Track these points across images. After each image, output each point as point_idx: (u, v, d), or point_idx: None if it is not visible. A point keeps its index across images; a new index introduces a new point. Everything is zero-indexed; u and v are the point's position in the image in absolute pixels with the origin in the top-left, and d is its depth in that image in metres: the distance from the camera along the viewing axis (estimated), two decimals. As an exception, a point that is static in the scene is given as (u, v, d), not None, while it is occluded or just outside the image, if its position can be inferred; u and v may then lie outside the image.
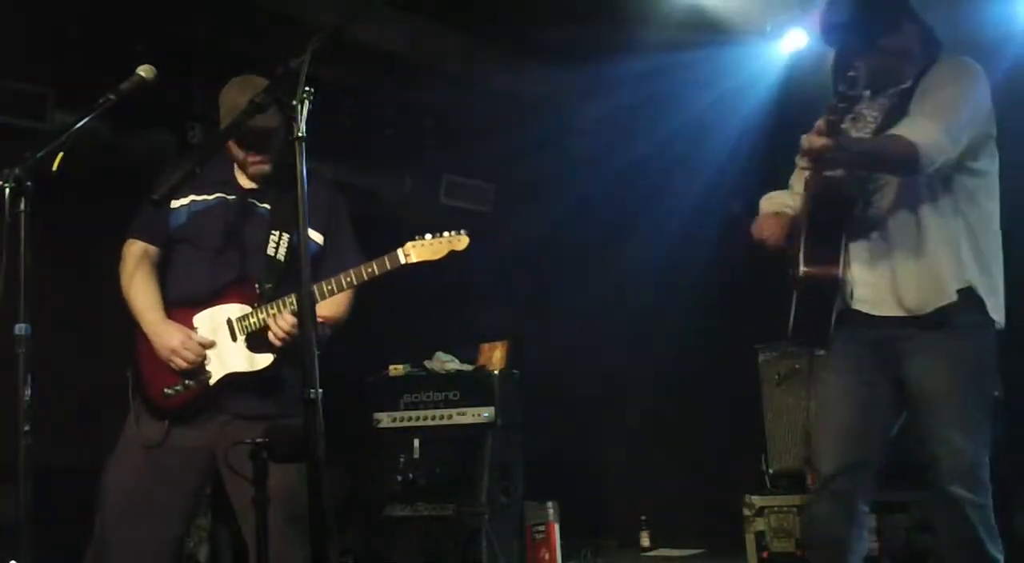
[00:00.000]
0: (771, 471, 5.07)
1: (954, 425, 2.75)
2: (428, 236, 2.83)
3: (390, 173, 6.22)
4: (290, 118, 2.15)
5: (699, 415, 5.97)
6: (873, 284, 2.85)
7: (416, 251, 2.82)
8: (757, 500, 4.80)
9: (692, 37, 5.24)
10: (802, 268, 2.85)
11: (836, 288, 2.86)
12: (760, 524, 4.76)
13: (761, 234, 3.03)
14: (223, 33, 4.84)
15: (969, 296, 2.79)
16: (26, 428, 2.25)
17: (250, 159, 2.98)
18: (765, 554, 4.74)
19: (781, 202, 3.15)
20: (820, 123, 2.60)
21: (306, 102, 2.14)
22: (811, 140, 2.61)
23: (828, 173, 2.78)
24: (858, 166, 2.80)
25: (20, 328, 2.28)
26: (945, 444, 2.74)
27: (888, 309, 2.83)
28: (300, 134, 2.13)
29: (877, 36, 2.82)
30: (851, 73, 2.53)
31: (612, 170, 6.31)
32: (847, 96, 2.54)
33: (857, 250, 2.87)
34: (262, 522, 2.31)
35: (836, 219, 2.87)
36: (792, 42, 5.42)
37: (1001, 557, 2.75)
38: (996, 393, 3.06)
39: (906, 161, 2.69)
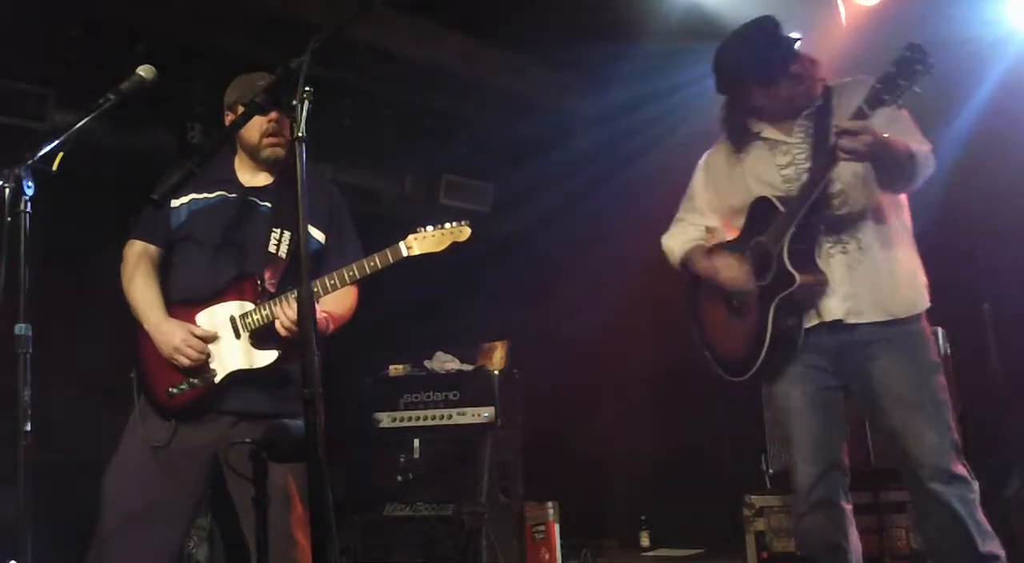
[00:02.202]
0: (771, 471, 5.05)
1: (923, 423, 2.79)
2: (430, 228, 2.83)
3: (390, 173, 6.22)
4: (290, 118, 2.15)
5: (699, 415, 5.96)
6: (856, 294, 2.88)
7: (418, 243, 2.81)
8: (757, 500, 4.79)
9: (691, 37, 5.24)
10: (798, 278, 2.86)
11: (818, 298, 2.89)
12: (760, 524, 4.75)
13: (727, 272, 3.05)
14: (223, 33, 4.84)
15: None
16: (26, 428, 2.25)
17: (266, 140, 2.98)
18: (765, 554, 4.73)
19: (688, 237, 3.25)
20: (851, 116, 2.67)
21: (306, 102, 2.14)
22: (861, 124, 2.65)
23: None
24: (883, 163, 2.80)
25: (20, 328, 2.28)
26: (920, 442, 2.78)
27: (868, 316, 2.87)
28: (300, 134, 2.13)
29: (784, 66, 2.93)
30: (911, 57, 2.60)
31: (612, 170, 6.31)
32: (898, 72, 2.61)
33: (834, 261, 2.90)
34: (262, 522, 2.31)
35: (814, 228, 2.90)
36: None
37: (1001, 553, 2.75)
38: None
39: (913, 173, 2.79)
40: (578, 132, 6.34)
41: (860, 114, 2.66)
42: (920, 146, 2.81)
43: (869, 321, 2.87)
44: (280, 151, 3.00)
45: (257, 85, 2.93)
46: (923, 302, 2.91)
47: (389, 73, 5.42)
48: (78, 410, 4.39)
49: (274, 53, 2.45)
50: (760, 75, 2.94)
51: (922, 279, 2.95)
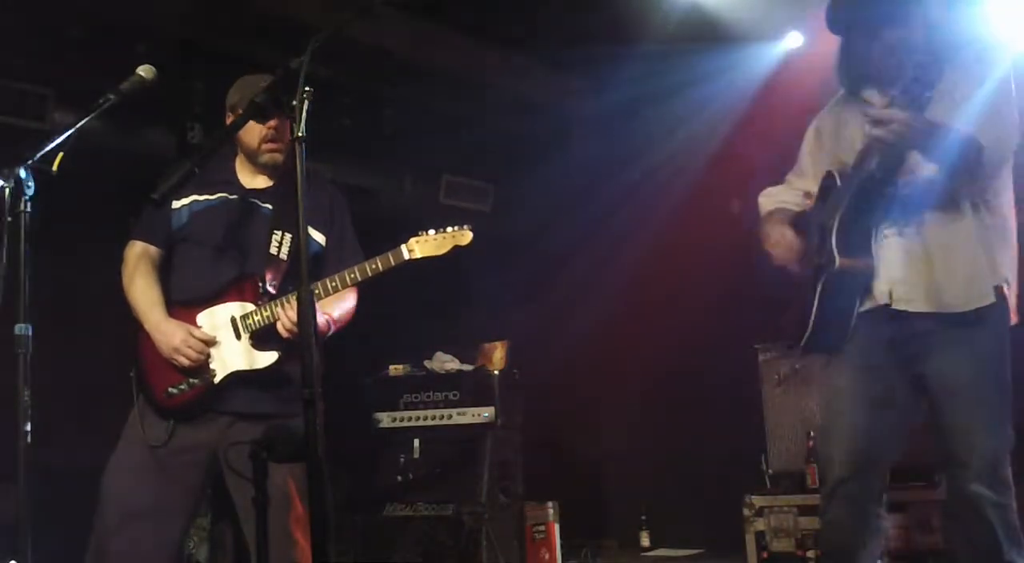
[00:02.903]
0: (771, 471, 5.06)
1: (978, 422, 2.70)
2: (432, 231, 2.83)
3: (390, 173, 6.22)
4: (290, 118, 2.15)
5: (699, 415, 5.96)
6: (908, 280, 2.78)
7: (420, 247, 2.82)
8: (757, 500, 4.79)
9: (691, 38, 5.25)
10: (838, 259, 2.77)
11: (868, 282, 2.81)
12: (760, 524, 4.76)
13: (773, 247, 2.99)
14: (223, 33, 4.84)
15: (1000, 295, 2.76)
16: (26, 428, 2.25)
17: (264, 146, 2.98)
18: (765, 554, 4.73)
19: (779, 198, 3.13)
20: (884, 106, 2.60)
21: (306, 102, 2.13)
22: (888, 113, 2.59)
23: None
24: (926, 150, 2.70)
25: (20, 328, 2.28)
26: (968, 441, 2.70)
27: (922, 305, 2.76)
28: (300, 134, 2.13)
29: (881, 27, 2.79)
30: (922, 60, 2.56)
31: (612, 170, 6.31)
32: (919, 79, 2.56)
33: (889, 243, 2.81)
34: (262, 522, 2.31)
35: (869, 209, 2.80)
36: (790, 43, 5.44)
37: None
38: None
39: (969, 164, 2.66)
40: (578, 132, 6.34)
41: (894, 101, 2.58)
42: (989, 134, 2.65)
43: (921, 311, 2.76)
44: (279, 156, 3.00)
45: (260, 86, 2.94)
46: (985, 297, 2.73)
47: (389, 73, 5.42)
48: (78, 410, 4.39)
49: (274, 53, 2.45)
50: (849, 33, 2.83)
51: (998, 274, 2.75)
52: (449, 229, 2.83)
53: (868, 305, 2.84)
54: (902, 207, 2.79)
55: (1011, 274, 2.82)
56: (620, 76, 5.63)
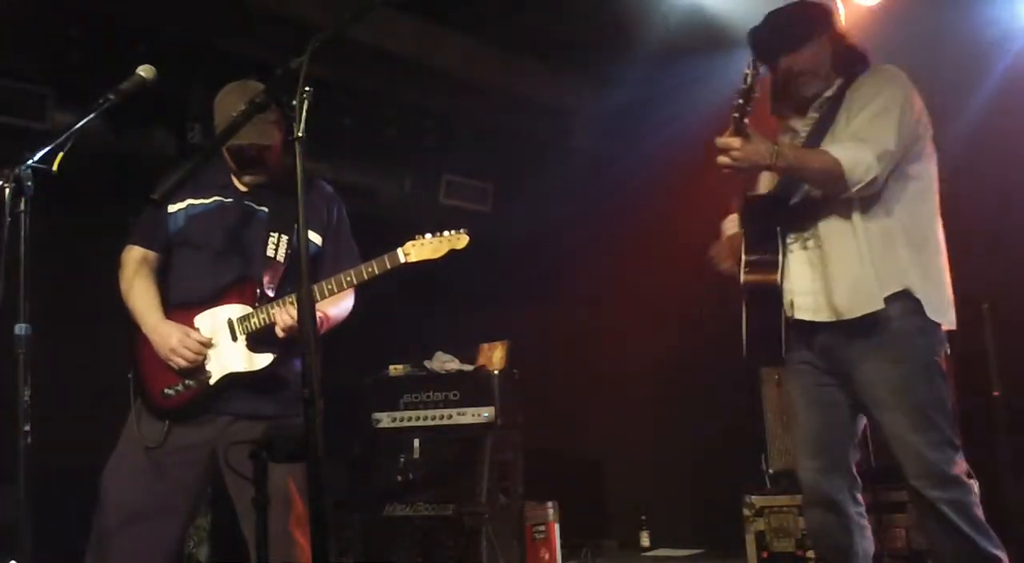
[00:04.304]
0: (771, 471, 5.06)
1: (907, 427, 2.75)
2: (428, 235, 2.83)
3: (390, 173, 6.22)
4: (289, 118, 2.15)
5: (699, 415, 5.96)
6: (810, 291, 2.87)
7: (416, 250, 2.82)
8: (757, 500, 4.79)
9: (692, 38, 5.24)
10: (742, 277, 2.92)
11: (778, 296, 2.90)
12: (760, 524, 4.76)
13: (719, 262, 3.12)
14: (223, 33, 4.84)
15: (906, 299, 2.79)
16: (26, 428, 2.25)
17: (244, 174, 2.99)
18: (765, 554, 4.73)
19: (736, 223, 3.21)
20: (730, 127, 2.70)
21: (306, 102, 2.13)
22: (724, 140, 2.69)
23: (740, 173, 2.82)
24: (783, 171, 2.84)
25: (20, 328, 2.28)
26: (903, 447, 2.76)
27: (824, 315, 2.85)
28: (300, 134, 2.13)
29: (778, 54, 2.92)
30: (745, 71, 2.68)
31: (611, 170, 6.31)
32: (741, 91, 2.67)
33: (794, 257, 2.91)
34: (262, 522, 2.31)
35: (771, 227, 2.92)
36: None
37: (1002, 553, 2.72)
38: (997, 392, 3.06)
39: (831, 179, 2.74)
40: (578, 132, 6.34)
41: (737, 129, 2.68)
42: (856, 152, 2.71)
43: (821, 320, 2.85)
44: (259, 179, 3.00)
45: (231, 114, 2.92)
46: (872, 303, 2.76)
47: (389, 73, 5.41)
48: (77, 410, 4.39)
49: (274, 53, 2.45)
50: (763, 52, 2.92)
51: (892, 280, 2.78)
52: (445, 233, 2.84)
53: (791, 316, 2.92)
54: (799, 220, 2.90)
55: (926, 280, 2.82)
56: (620, 76, 5.63)
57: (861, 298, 2.78)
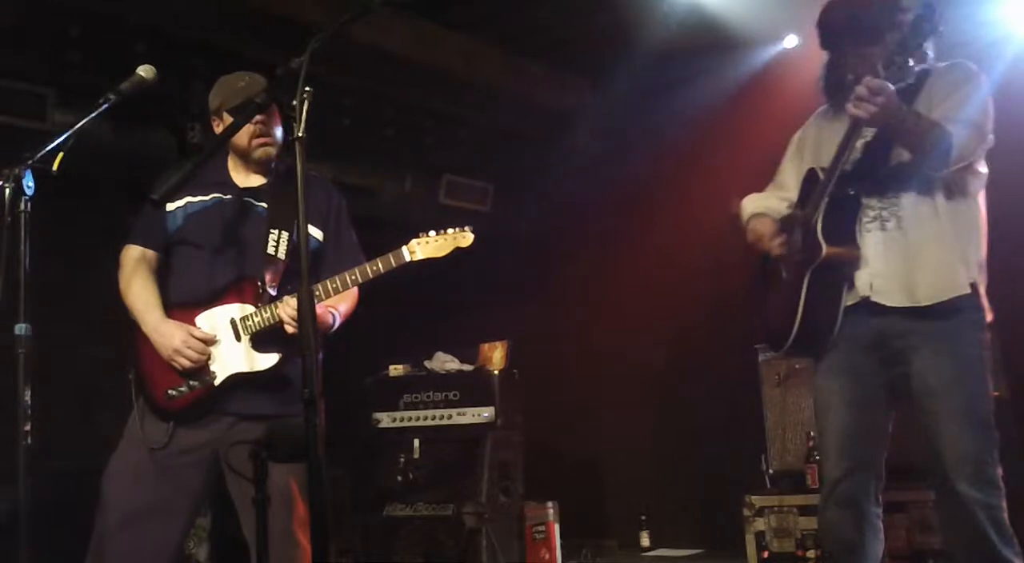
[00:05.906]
0: (771, 471, 5.06)
1: (960, 421, 2.72)
2: (433, 233, 2.82)
3: (390, 173, 6.22)
4: (290, 118, 2.15)
5: (699, 415, 5.97)
6: (886, 272, 2.81)
7: (421, 248, 2.81)
8: (757, 500, 4.79)
9: (691, 37, 5.24)
10: (825, 247, 2.81)
11: (853, 273, 2.83)
12: (760, 524, 4.76)
13: (768, 241, 3.04)
14: (223, 33, 4.84)
15: (975, 291, 2.79)
16: (26, 428, 2.25)
17: (255, 142, 2.97)
18: (765, 554, 4.73)
19: (764, 204, 3.18)
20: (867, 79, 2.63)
21: (306, 102, 2.13)
22: (880, 82, 2.62)
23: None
24: (899, 132, 2.76)
25: (20, 328, 2.28)
26: (951, 441, 2.71)
27: (898, 299, 2.79)
28: (300, 134, 2.13)
29: (864, 44, 2.85)
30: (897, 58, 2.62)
31: (611, 170, 6.31)
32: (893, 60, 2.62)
33: (870, 237, 2.85)
34: (262, 522, 2.31)
35: (852, 198, 2.85)
36: (790, 44, 5.45)
37: (1019, 561, 2.69)
38: (996, 392, 3.04)
39: (940, 152, 2.70)
40: (578, 132, 6.34)
41: (875, 74, 2.63)
42: (963, 131, 2.72)
43: (898, 305, 2.79)
44: (271, 150, 2.99)
45: (238, 87, 2.94)
46: (958, 288, 2.76)
47: (389, 73, 5.41)
48: (78, 410, 4.39)
49: (274, 53, 2.44)
50: (835, 47, 2.90)
51: (971, 266, 2.80)
52: (450, 230, 2.83)
53: (851, 300, 2.87)
54: (880, 196, 2.84)
55: (982, 274, 2.85)
56: (620, 75, 5.63)
57: (944, 285, 2.76)
